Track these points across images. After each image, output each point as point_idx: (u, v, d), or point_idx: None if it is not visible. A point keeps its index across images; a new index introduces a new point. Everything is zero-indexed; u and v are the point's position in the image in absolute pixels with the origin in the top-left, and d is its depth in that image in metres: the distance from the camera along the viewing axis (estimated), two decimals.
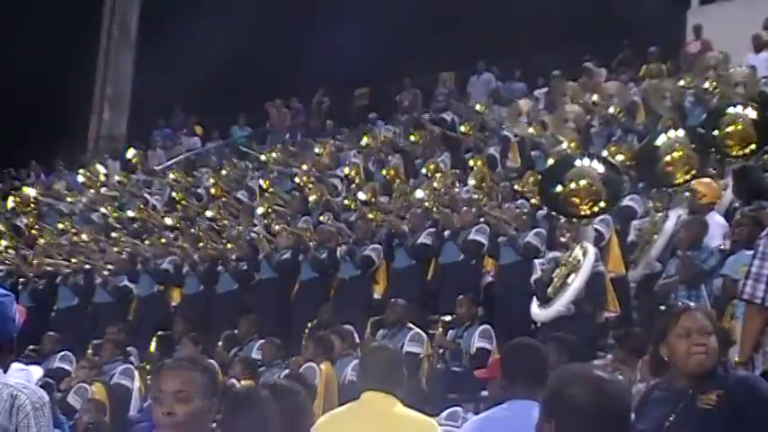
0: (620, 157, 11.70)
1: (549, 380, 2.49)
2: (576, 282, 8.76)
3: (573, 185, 9.01)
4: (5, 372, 3.59)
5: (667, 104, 13.89)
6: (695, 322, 3.65)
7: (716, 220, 9.13)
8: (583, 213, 8.98)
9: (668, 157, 9.36)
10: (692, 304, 4.42)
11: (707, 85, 13.75)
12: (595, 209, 9.04)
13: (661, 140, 9.61)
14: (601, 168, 9.29)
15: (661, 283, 8.65)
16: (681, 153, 9.33)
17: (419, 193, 12.94)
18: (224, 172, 18.03)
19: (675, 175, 9.36)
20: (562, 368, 2.53)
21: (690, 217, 9.09)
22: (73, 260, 14.29)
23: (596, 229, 9.76)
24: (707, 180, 9.75)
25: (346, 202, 13.91)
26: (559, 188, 9.05)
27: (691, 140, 9.50)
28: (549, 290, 9.02)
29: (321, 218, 13.47)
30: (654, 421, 3.55)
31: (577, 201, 9.00)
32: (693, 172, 9.35)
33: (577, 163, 9.37)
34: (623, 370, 6.16)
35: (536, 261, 9.78)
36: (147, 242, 14.35)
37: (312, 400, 8.39)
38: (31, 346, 11.54)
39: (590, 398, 2.30)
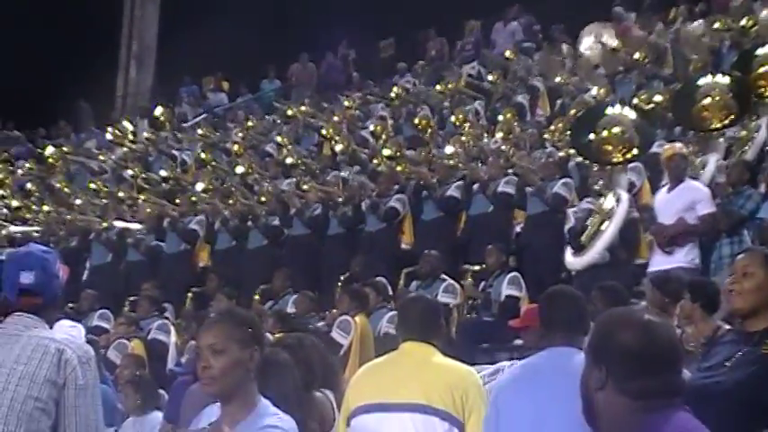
0: (657, 98, 11.58)
1: (595, 326, 2.48)
2: (610, 229, 8.74)
3: (605, 133, 8.92)
4: (51, 327, 3.65)
5: (701, 48, 13.66)
6: (740, 263, 3.65)
7: (694, 185, 8.69)
8: (616, 160, 8.91)
9: (706, 101, 9.06)
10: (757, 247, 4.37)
11: (744, 22, 13.44)
12: (628, 155, 8.95)
13: (703, 81, 9.32)
14: (632, 115, 9.20)
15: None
16: (719, 98, 9.06)
17: (448, 149, 12.86)
18: (250, 123, 18.06)
19: (711, 121, 9.13)
20: (607, 313, 2.51)
21: (733, 161, 8.97)
22: (105, 220, 14.41)
23: (628, 179, 9.68)
24: (677, 144, 9.45)
25: (375, 161, 13.87)
26: (592, 136, 8.97)
27: (731, 87, 9.18)
28: (583, 238, 9.00)
29: (343, 174, 13.45)
30: (718, 361, 3.56)
31: (610, 148, 8.93)
32: (732, 118, 9.08)
33: (609, 111, 9.29)
34: (660, 315, 6.11)
35: (569, 210, 9.76)
36: (177, 201, 14.44)
37: (335, 352, 8.51)
38: (69, 305, 11.67)
39: (640, 341, 2.29)
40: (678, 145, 9.32)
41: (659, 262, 8.37)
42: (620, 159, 8.95)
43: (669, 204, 8.51)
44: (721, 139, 9.77)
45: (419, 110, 16.04)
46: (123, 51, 24.59)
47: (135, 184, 16.25)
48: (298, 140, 16.77)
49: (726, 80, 9.28)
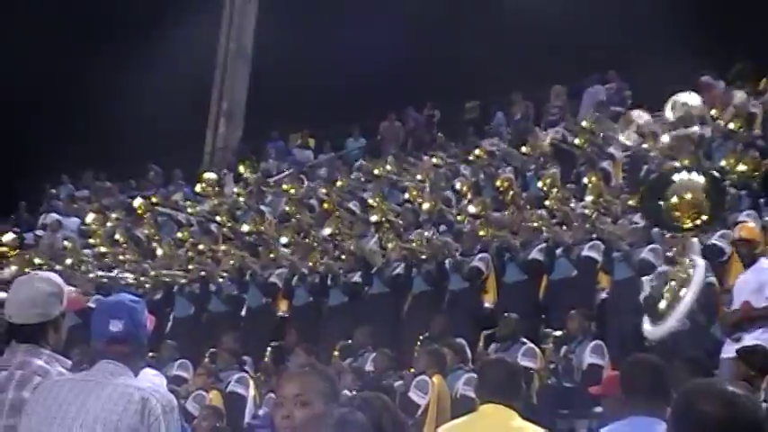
0: (741, 168, 11.40)
1: (678, 396, 2.45)
2: (688, 296, 8.54)
3: (674, 199, 8.76)
4: (136, 375, 3.73)
5: None
6: None
7: (763, 266, 8.31)
8: (686, 226, 8.73)
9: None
10: None
11: None
12: (698, 222, 8.76)
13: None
14: (702, 180, 9.01)
15: None
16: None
17: (533, 217, 12.77)
18: (339, 183, 18.24)
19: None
20: (690, 384, 2.48)
21: None
22: (189, 266, 14.66)
23: (716, 245, 9.52)
24: (750, 225, 9.12)
25: (459, 217, 13.87)
26: (661, 202, 8.80)
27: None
28: (662, 306, 8.84)
29: (426, 233, 13.46)
30: None
31: (679, 214, 8.75)
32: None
33: (676, 177, 9.10)
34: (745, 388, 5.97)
35: (644, 278, 9.63)
36: (259, 254, 14.61)
37: (413, 412, 8.46)
38: (150, 354, 11.85)
39: (723, 413, 2.26)
40: (748, 226, 8.98)
41: (730, 350, 7.98)
42: (690, 225, 8.77)
43: (744, 285, 8.28)
44: None
45: (500, 171, 16.04)
46: (213, 108, 25.14)
47: (220, 236, 16.50)
48: (384, 198, 16.85)
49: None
